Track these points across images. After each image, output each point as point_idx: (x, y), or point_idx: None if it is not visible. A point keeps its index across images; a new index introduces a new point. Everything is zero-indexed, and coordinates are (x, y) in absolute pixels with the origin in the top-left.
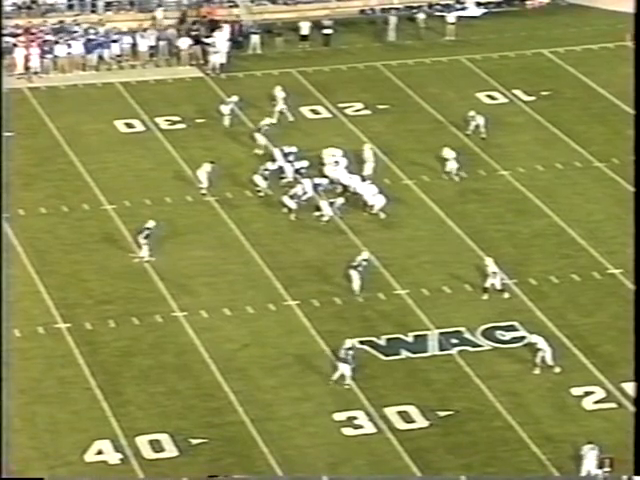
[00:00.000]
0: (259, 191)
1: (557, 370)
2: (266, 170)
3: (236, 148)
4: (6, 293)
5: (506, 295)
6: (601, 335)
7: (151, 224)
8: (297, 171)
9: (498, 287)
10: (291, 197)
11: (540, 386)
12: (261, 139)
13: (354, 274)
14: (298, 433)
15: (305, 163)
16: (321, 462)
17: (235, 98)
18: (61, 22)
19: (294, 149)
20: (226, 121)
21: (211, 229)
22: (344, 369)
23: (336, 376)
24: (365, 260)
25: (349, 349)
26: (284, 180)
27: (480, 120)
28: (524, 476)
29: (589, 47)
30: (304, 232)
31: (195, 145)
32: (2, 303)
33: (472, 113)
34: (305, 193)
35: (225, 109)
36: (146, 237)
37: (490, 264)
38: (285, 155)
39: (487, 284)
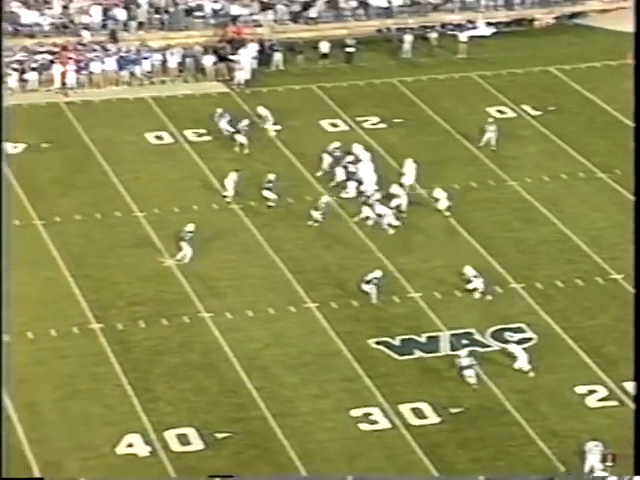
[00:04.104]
0: (269, 205)
1: (531, 375)
2: (269, 182)
3: (259, 159)
4: (6, 293)
5: (489, 297)
6: (604, 336)
7: (191, 227)
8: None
9: (480, 290)
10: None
11: (546, 384)
12: (327, 158)
13: (369, 288)
14: (317, 428)
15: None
16: (339, 455)
17: (246, 122)
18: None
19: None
20: (242, 139)
21: (235, 235)
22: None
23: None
24: (377, 278)
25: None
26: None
27: (493, 132)
28: (531, 472)
29: (593, 65)
30: (323, 239)
31: (220, 156)
32: (2, 303)
33: (491, 119)
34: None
35: (240, 136)
36: (186, 240)
37: (468, 271)
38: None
39: (470, 287)
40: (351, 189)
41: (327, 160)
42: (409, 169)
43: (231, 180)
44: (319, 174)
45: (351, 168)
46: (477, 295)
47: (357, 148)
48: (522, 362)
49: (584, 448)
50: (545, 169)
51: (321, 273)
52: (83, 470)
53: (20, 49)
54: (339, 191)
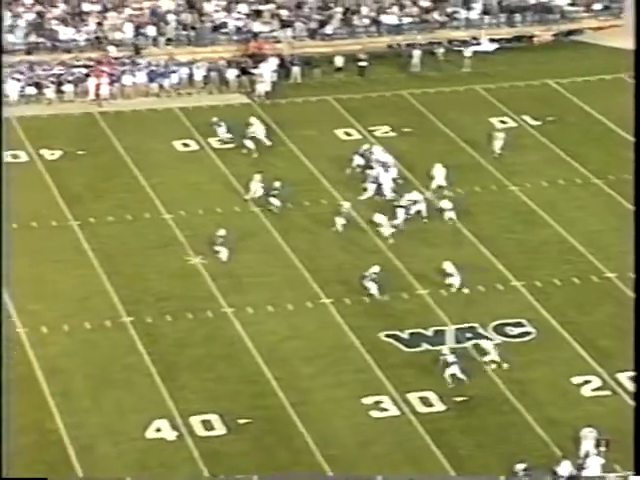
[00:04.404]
0: (272, 210)
1: (505, 366)
2: (275, 189)
3: (278, 165)
4: (6, 293)
5: (466, 291)
6: (598, 331)
7: (223, 232)
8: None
9: (457, 286)
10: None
11: (544, 375)
12: (358, 159)
13: (369, 284)
14: (331, 415)
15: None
16: (351, 440)
17: (253, 129)
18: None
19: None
20: (251, 145)
21: (256, 236)
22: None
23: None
24: (375, 273)
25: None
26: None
27: (500, 140)
28: (529, 456)
29: (589, 79)
30: (338, 240)
31: (242, 162)
32: (2, 303)
33: (499, 128)
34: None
35: (248, 142)
36: (221, 244)
37: (448, 266)
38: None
39: (447, 282)
40: (370, 191)
41: (358, 161)
42: (438, 173)
43: (256, 182)
44: (348, 172)
45: (373, 172)
46: (453, 290)
47: (378, 150)
48: (493, 356)
49: (579, 434)
50: (544, 175)
51: (335, 272)
52: (115, 453)
53: (58, 63)
54: (360, 192)
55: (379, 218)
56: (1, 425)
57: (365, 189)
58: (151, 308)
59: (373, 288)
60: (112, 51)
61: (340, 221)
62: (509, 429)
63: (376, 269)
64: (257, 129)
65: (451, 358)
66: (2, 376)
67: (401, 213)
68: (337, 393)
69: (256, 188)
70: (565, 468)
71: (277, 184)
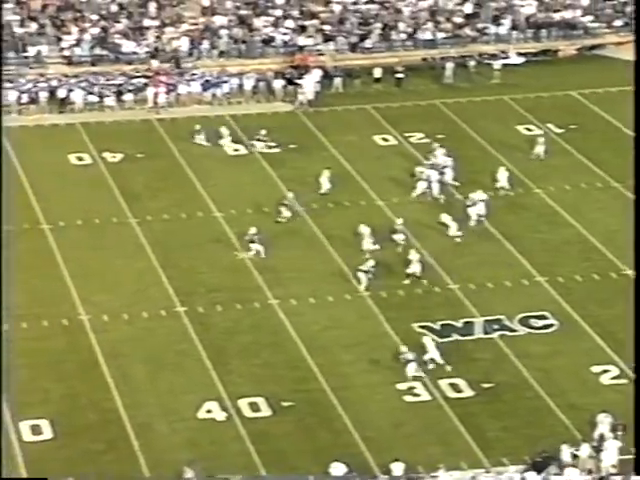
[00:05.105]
0: (281, 220)
1: (449, 368)
2: (287, 200)
3: (320, 168)
4: (6, 293)
5: (425, 282)
6: (617, 324)
7: (254, 230)
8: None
9: (418, 274)
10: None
11: (565, 364)
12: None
13: (362, 275)
14: (368, 399)
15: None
16: (386, 422)
17: (264, 131)
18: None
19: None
20: (260, 146)
21: (300, 233)
22: (363, 279)
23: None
24: (373, 266)
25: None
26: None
27: (541, 145)
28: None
29: (609, 90)
30: (373, 238)
31: (287, 165)
32: (2, 303)
33: (540, 133)
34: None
35: (259, 144)
36: (252, 241)
37: (413, 255)
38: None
39: (410, 271)
40: (419, 189)
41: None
42: (502, 175)
43: (325, 177)
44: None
45: (425, 172)
46: (414, 279)
47: (440, 152)
48: (435, 355)
49: (595, 419)
50: (567, 179)
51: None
52: (169, 431)
53: (120, 74)
54: (397, 194)
55: (445, 218)
56: (0, 426)
57: (416, 188)
58: (203, 299)
59: (364, 281)
60: (154, 65)
61: (397, 238)
62: (533, 414)
63: (372, 263)
64: (225, 136)
65: (410, 356)
66: (2, 376)
67: (472, 212)
68: (373, 379)
69: (326, 182)
70: (584, 450)
71: (290, 195)
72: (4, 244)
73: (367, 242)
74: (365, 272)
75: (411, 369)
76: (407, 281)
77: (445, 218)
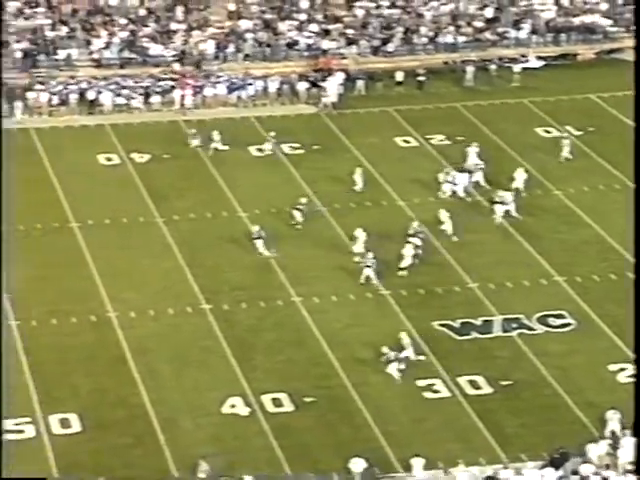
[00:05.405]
0: (295, 224)
1: (422, 358)
2: (301, 204)
3: (342, 169)
4: (6, 292)
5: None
6: (633, 323)
7: (257, 228)
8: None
9: (372, 267)
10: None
11: (583, 362)
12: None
13: (367, 270)
14: (388, 395)
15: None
16: (406, 418)
17: (273, 133)
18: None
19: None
20: (268, 149)
21: (322, 233)
22: (368, 272)
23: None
24: (372, 259)
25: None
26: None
27: (567, 147)
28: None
29: (627, 93)
30: (394, 238)
31: (310, 166)
32: (2, 302)
33: (565, 135)
34: None
35: (268, 145)
36: (257, 238)
37: (408, 249)
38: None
39: (403, 265)
40: (446, 191)
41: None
42: (519, 176)
43: (358, 175)
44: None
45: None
46: (368, 271)
47: (473, 152)
48: (409, 353)
49: (605, 416)
50: (585, 181)
51: (394, 266)
52: (194, 426)
53: (147, 76)
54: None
55: (443, 215)
56: (0, 426)
57: (442, 189)
58: (227, 296)
59: (370, 273)
60: (176, 68)
61: (415, 241)
62: (551, 411)
63: (371, 255)
64: (215, 139)
65: (392, 355)
66: (2, 376)
67: (499, 209)
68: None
69: (360, 180)
70: (602, 447)
71: (303, 200)
72: (4, 244)
73: (359, 246)
74: (369, 266)
75: (392, 369)
76: (402, 273)
77: (443, 215)
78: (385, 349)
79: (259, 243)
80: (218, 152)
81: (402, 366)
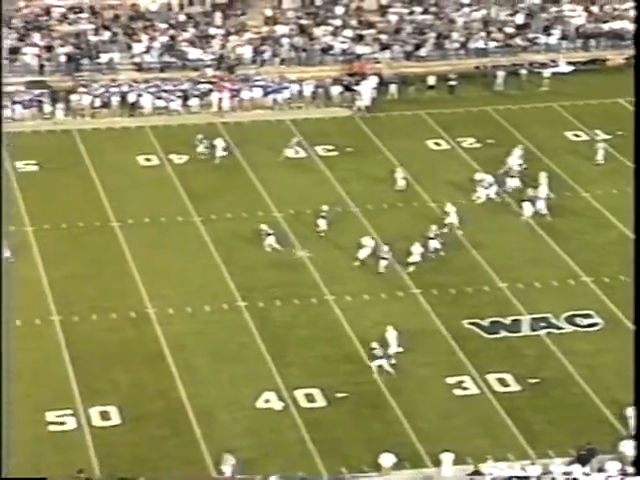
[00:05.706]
0: (319, 232)
1: (401, 350)
2: (324, 212)
3: (374, 172)
4: (6, 292)
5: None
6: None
7: (264, 226)
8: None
9: (361, 259)
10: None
11: (609, 361)
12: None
13: (381, 262)
14: (419, 391)
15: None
16: (435, 414)
17: (296, 139)
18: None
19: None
20: (288, 153)
21: (353, 233)
22: (383, 264)
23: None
24: (389, 250)
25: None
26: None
27: (602, 150)
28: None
29: None
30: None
31: (344, 168)
32: (2, 302)
33: (599, 138)
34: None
35: (290, 150)
36: (269, 234)
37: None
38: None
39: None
40: (482, 194)
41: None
42: (543, 180)
43: (399, 174)
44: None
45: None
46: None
47: (516, 155)
48: (394, 349)
49: (625, 412)
50: (613, 183)
51: (424, 265)
52: (230, 420)
53: (186, 80)
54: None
55: (450, 209)
56: (1, 425)
57: (477, 193)
58: (262, 294)
59: (383, 263)
60: (208, 73)
61: (435, 244)
62: (578, 408)
63: (386, 248)
64: (219, 146)
65: (379, 352)
66: (2, 376)
67: (528, 207)
68: (424, 373)
69: (403, 183)
70: (629, 445)
71: (325, 207)
72: (3, 244)
73: (363, 252)
74: (384, 258)
75: (384, 364)
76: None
77: (449, 208)
78: (374, 344)
79: (270, 240)
80: (231, 157)
81: (393, 361)
